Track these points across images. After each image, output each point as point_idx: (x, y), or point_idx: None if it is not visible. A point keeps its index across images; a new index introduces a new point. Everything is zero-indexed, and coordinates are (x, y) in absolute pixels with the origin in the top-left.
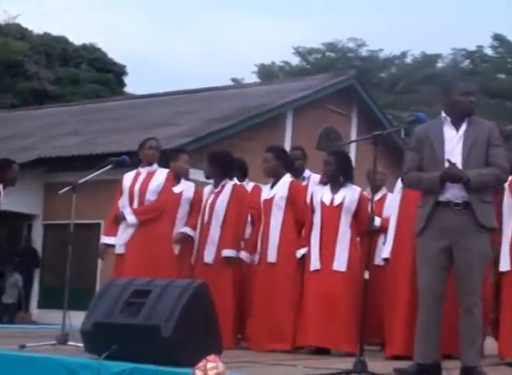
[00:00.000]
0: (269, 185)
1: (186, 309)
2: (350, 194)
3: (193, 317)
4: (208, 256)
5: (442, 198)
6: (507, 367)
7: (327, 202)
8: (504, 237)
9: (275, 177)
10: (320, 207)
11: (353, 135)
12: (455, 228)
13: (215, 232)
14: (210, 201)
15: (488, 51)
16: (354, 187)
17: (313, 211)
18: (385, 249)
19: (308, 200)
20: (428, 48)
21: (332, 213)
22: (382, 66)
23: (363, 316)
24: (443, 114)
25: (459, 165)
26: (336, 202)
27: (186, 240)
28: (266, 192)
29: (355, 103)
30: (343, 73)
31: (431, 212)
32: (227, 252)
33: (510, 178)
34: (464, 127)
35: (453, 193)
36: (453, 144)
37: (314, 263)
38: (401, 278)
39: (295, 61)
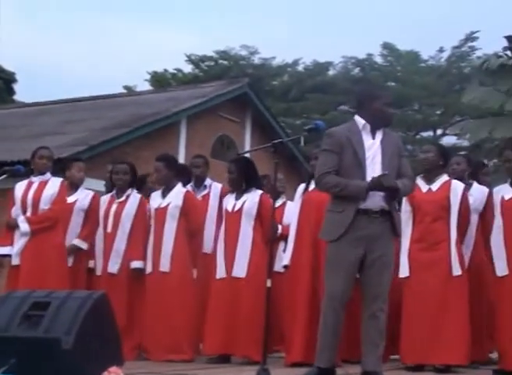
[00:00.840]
0: (159, 193)
1: (87, 321)
2: (250, 198)
3: (93, 329)
4: (113, 266)
5: (362, 205)
6: (408, 372)
7: (230, 209)
8: (403, 246)
9: (167, 186)
10: (225, 215)
11: (248, 143)
12: (371, 236)
13: (120, 243)
14: (113, 210)
15: (378, 60)
16: (256, 191)
17: (221, 219)
18: (285, 256)
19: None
20: (319, 56)
21: (233, 219)
22: (275, 73)
23: (266, 324)
24: (362, 121)
25: (379, 173)
26: (237, 208)
27: (77, 251)
28: (157, 200)
29: (249, 111)
30: (237, 81)
31: (352, 220)
32: (136, 264)
33: None
34: (379, 137)
35: (373, 201)
36: (373, 152)
37: (220, 271)
38: (300, 285)
39: (188, 68)
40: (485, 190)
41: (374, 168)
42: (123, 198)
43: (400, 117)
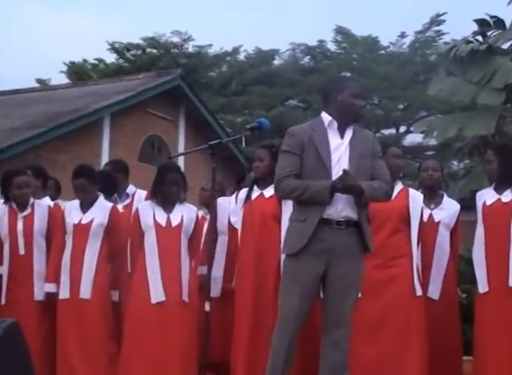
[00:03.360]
0: (76, 204)
1: None
2: (186, 214)
3: (4, 359)
4: (39, 294)
5: (325, 214)
6: None
7: (162, 223)
8: None
9: (88, 199)
10: (154, 228)
11: (181, 144)
12: (333, 250)
13: (40, 264)
14: (20, 227)
15: (331, 46)
16: (189, 205)
17: (142, 233)
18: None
19: (132, 219)
20: (263, 43)
21: (170, 236)
22: (212, 63)
23: (203, 351)
24: (329, 117)
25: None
26: (174, 223)
27: None
28: (75, 214)
29: (182, 107)
30: (168, 73)
31: (314, 230)
32: (48, 287)
33: None
34: (349, 135)
35: (336, 210)
36: (340, 153)
37: (156, 294)
38: (244, 310)
39: (111, 58)
40: (456, 204)
41: (340, 170)
42: (28, 211)
43: None
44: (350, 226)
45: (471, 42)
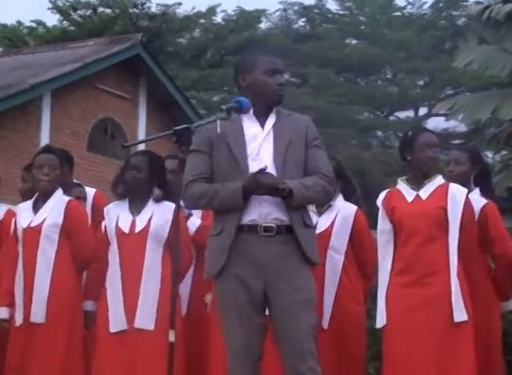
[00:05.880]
0: (29, 205)
1: None
2: (158, 214)
3: None
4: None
5: (246, 219)
6: None
7: (125, 229)
8: (380, 282)
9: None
10: (116, 236)
11: (142, 129)
12: (267, 263)
13: None
14: None
15: (332, 6)
16: (166, 203)
17: (108, 242)
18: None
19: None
20: (246, 1)
21: (132, 245)
22: (181, 27)
23: None
24: None
25: (272, 173)
26: (139, 227)
27: None
28: (26, 216)
29: (143, 82)
30: (125, 39)
31: (233, 243)
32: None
33: (382, 195)
34: (270, 121)
35: (262, 212)
36: (259, 144)
37: (116, 322)
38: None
39: (53, 20)
40: (482, 202)
41: (260, 166)
42: None
43: (363, 90)
44: (283, 233)
45: (510, 1)
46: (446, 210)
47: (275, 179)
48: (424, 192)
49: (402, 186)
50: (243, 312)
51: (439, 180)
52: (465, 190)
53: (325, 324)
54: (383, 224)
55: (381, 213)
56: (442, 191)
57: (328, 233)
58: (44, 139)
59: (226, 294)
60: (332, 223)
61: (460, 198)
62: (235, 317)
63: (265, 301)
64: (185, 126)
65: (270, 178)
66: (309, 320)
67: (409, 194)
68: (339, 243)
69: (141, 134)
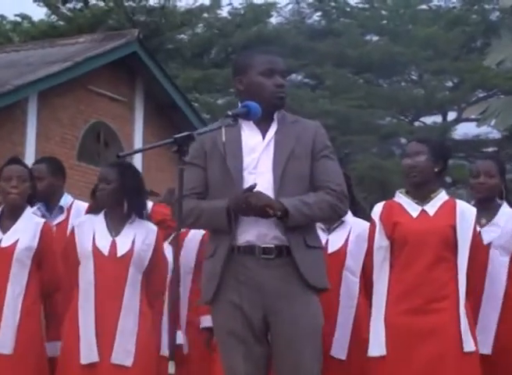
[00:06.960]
0: None
1: None
2: (141, 236)
3: None
4: None
5: (242, 240)
6: None
7: (104, 251)
8: (374, 308)
9: (10, 211)
10: (92, 257)
11: (139, 135)
12: (268, 289)
13: None
14: None
15: (351, 0)
16: (148, 223)
17: (77, 262)
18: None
19: (67, 242)
20: None
21: (113, 269)
22: (182, 22)
23: None
24: None
25: (269, 189)
26: (121, 251)
27: None
28: None
29: (140, 83)
30: (120, 35)
31: (224, 267)
32: None
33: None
34: (272, 130)
35: (259, 232)
36: (258, 155)
37: (87, 353)
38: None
39: (40, 14)
40: None
41: (258, 180)
42: None
43: (385, 93)
44: (284, 255)
45: None
46: (455, 228)
47: (267, 199)
48: (431, 207)
49: (403, 199)
50: (241, 340)
51: (443, 195)
52: (474, 209)
53: (343, 355)
54: (380, 240)
55: (378, 228)
56: (450, 208)
57: (342, 252)
58: (30, 147)
59: (220, 322)
60: (346, 240)
61: (470, 217)
62: (233, 346)
63: (267, 330)
64: (186, 133)
65: (261, 198)
66: (315, 355)
67: (413, 208)
68: (355, 263)
69: (138, 141)
